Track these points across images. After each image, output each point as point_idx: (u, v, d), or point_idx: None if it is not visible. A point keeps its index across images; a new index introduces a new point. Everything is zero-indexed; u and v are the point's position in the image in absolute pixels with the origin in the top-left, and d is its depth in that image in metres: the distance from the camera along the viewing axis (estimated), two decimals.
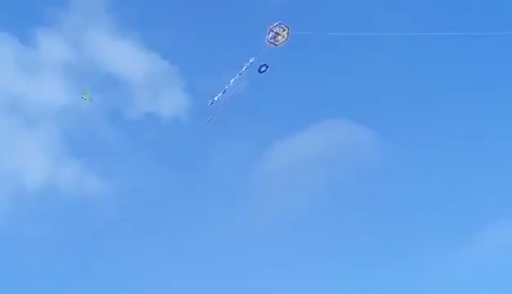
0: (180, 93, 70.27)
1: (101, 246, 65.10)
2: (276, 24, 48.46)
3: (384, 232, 65.38)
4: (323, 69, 70.48)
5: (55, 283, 63.46)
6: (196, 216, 66.03)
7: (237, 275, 63.36)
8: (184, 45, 71.62)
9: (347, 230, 65.53)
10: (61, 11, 70.43)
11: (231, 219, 65.27)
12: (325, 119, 69.09)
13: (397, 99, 70.40)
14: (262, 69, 49.27)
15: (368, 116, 68.70)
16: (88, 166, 68.00)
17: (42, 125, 68.38)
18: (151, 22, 71.97)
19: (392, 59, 70.20)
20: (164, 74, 70.32)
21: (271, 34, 48.54)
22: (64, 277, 63.54)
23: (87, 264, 63.76)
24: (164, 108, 69.80)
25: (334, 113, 69.18)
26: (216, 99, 50.22)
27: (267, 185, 67.33)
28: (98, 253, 64.66)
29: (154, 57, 70.32)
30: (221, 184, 67.19)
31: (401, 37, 63.77)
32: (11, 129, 68.05)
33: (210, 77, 65.90)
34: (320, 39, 57.03)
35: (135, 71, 69.67)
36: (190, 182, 68.18)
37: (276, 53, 49.13)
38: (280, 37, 48.61)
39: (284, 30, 48.58)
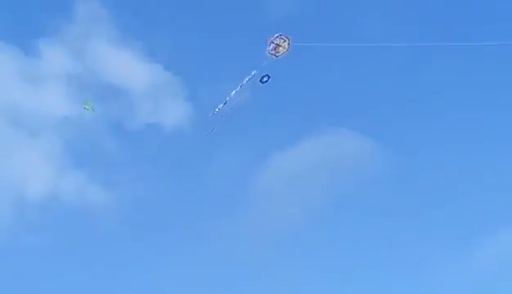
0: (182, 103, 70.53)
1: (102, 256, 65.32)
2: (276, 35, 48.73)
3: (384, 242, 65.35)
4: (323, 79, 70.71)
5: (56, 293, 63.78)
6: (197, 225, 66.11)
7: (237, 285, 63.44)
8: (186, 55, 71.76)
9: (347, 240, 65.67)
10: (64, 21, 70.70)
11: (232, 229, 65.27)
12: (325, 129, 69.30)
13: (397, 108, 70.71)
14: (264, 79, 49.47)
15: (368, 126, 68.77)
16: (90, 176, 68.18)
17: (44, 135, 68.62)
18: (153, 32, 72.15)
19: (393, 69, 70.38)
20: (167, 84, 70.57)
21: (272, 46, 48.78)
22: (65, 287, 63.47)
23: (88, 274, 63.84)
24: (167, 118, 70.04)
25: (334, 123, 69.31)
26: (217, 110, 50.41)
27: (267, 195, 67.43)
28: (100, 263, 64.83)
29: (156, 67, 70.60)
30: (222, 194, 67.31)
31: (401, 47, 64.11)
32: (13, 139, 68.23)
33: (212, 87, 66.00)
34: (320, 50, 57.16)
35: (137, 81, 69.91)
36: (191, 192, 68.39)
37: (276, 64, 49.37)
38: (280, 48, 48.85)
39: (284, 41, 48.82)
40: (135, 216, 66.99)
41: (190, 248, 65.02)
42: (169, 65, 69.90)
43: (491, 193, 66.07)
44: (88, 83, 68.22)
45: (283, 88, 65.56)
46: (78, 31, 70.60)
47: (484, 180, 67.17)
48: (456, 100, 70.25)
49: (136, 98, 69.69)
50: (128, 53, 70.26)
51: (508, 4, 71.39)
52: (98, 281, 63.69)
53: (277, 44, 48.66)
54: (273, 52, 48.77)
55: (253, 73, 49.31)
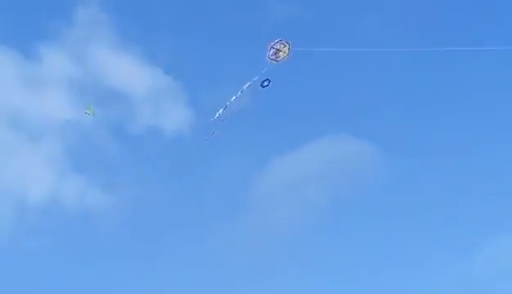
0: (183, 107, 70.64)
1: (103, 259, 65.38)
2: (276, 40, 48.76)
3: (384, 245, 65.46)
4: (323, 84, 70.80)
5: None
6: (197, 229, 66.22)
7: (237, 288, 63.36)
8: (187, 59, 71.89)
9: (348, 244, 65.75)
10: (64, 25, 70.86)
11: (232, 233, 65.37)
12: (325, 134, 69.20)
13: (398, 113, 70.63)
14: (265, 83, 49.40)
15: (369, 131, 68.82)
16: (91, 180, 68.33)
17: (44, 139, 68.74)
18: (154, 36, 72.28)
19: (393, 74, 70.60)
20: (167, 89, 70.67)
21: (272, 51, 48.69)
22: (66, 290, 63.66)
23: (89, 277, 64.00)
24: (167, 122, 70.14)
25: (334, 128, 69.35)
26: (218, 115, 50.41)
27: (267, 199, 67.53)
28: (100, 267, 64.91)
29: (156, 71, 70.75)
30: (222, 198, 67.40)
31: (401, 52, 64.02)
32: (13, 143, 68.31)
33: (213, 91, 66.17)
34: (320, 55, 57.19)
35: (137, 85, 70.02)
36: (191, 196, 68.44)
37: (277, 69, 49.38)
38: (281, 53, 48.79)
39: (285, 46, 48.75)
40: (135, 219, 67.17)
41: (191, 252, 65.23)
42: (170, 69, 70.15)
43: (492, 197, 66.18)
44: (89, 87, 68.41)
45: (283, 93, 65.64)
46: (78, 35, 70.90)
47: (484, 184, 67.39)
48: (457, 105, 70.53)
49: (136, 102, 69.91)
50: (129, 57, 70.52)
51: (509, 9, 71.66)
52: (99, 284, 63.88)
53: (277, 49, 48.61)
54: (273, 57, 48.72)
55: (254, 79, 49.28)
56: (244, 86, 49.53)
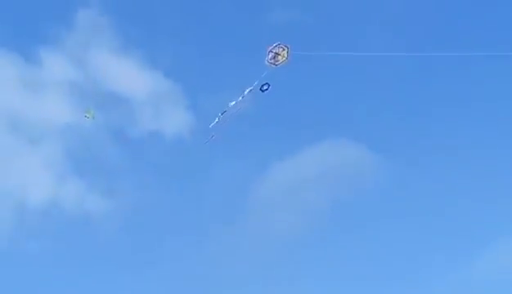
0: (183, 111, 70.71)
1: (102, 263, 65.50)
2: (275, 44, 48.78)
3: (383, 250, 65.55)
4: (323, 88, 70.88)
5: None
6: (197, 233, 66.33)
7: (237, 292, 63.63)
8: (187, 63, 72.06)
9: (346, 249, 65.64)
10: (65, 29, 71.00)
11: (231, 237, 65.43)
12: (325, 139, 69.22)
13: (397, 118, 70.81)
14: (264, 87, 49.43)
15: (368, 136, 68.80)
16: (91, 184, 68.41)
17: (44, 142, 68.85)
18: (154, 41, 72.40)
19: (393, 79, 70.45)
20: (167, 93, 70.77)
21: (271, 55, 48.70)
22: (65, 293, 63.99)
23: (88, 281, 64.07)
24: (167, 126, 70.23)
25: (334, 133, 69.33)
26: (217, 120, 50.42)
27: (267, 204, 67.55)
28: (100, 270, 65.02)
29: (156, 76, 70.85)
30: (222, 202, 67.45)
31: (401, 57, 64.12)
32: (14, 146, 68.43)
33: (213, 95, 66.32)
34: (319, 59, 57.21)
35: (138, 89, 70.08)
36: (191, 200, 68.49)
37: (276, 73, 49.40)
38: (280, 57, 48.75)
39: (284, 50, 48.72)
40: (135, 223, 67.25)
41: (191, 255, 65.29)
42: (170, 74, 70.32)
43: (491, 203, 66.24)
44: (89, 91, 68.48)
45: (282, 97, 65.74)
46: (78, 39, 71.01)
47: (484, 190, 67.45)
48: (456, 110, 70.58)
49: (136, 106, 69.99)
50: (129, 61, 70.63)
51: (508, 16, 71.79)
52: (98, 288, 64.01)
53: (276, 53, 48.58)
54: (272, 61, 48.70)
55: (254, 85, 49.29)
56: (245, 92, 49.55)
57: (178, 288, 63.50)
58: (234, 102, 49.81)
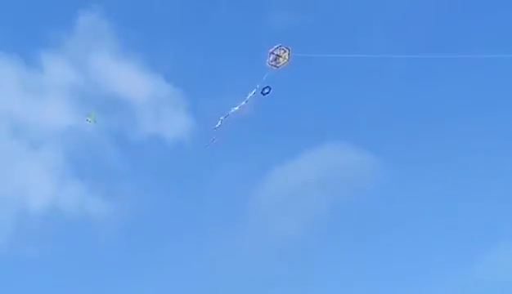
0: (183, 115, 70.69)
1: (103, 267, 65.38)
2: (276, 46, 48.72)
3: (384, 255, 65.44)
4: (324, 90, 71.02)
5: None
6: (197, 237, 66.25)
7: None
8: (187, 67, 72.12)
9: (347, 253, 65.63)
10: (65, 33, 71.11)
11: (232, 241, 65.35)
12: (325, 143, 69.05)
13: (397, 122, 70.62)
14: (265, 90, 49.32)
15: (369, 139, 68.72)
16: (92, 187, 68.35)
17: (45, 146, 68.88)
18: (155, 44, 72.49)
19: (394, 82, 70.50)
20: (168, 96, 70.81)
21: (272, 57, 48.57)
22: None
23: (89, 285, 63.84)
24: (168, 130, 70.26)
25: (334, 137, 69.16)
26: (218, 124, 50.38)
27: (267, 208, 67.45)
28: (100, 274, 64.89)
29: (157, 79, 70.89)
30: (222, 206, 67.37)
31: (402, 59, 64.39)
32: (14, 150, 68.45)
33: (214, 98, 66.45)
34: (321, 61, 57.26)
35: (139, 93, 70.15)
36: (192, 204, 68.38)
37: (277, 75, 49.36)
38: (281, 59, 48.61)
39: (285, 52, 48.57)
40: (136, 227, 67.23)
41: (191, 259, 65.23)
42: (171, 77, 70.33)
43: (492, 206, 65.97)
44: (90, 95, 68.64)
45: (283, 101, 65.74)
46: (79, 43, 71.14)
47: (485, 193, 67.23)
48: (456, 113, 70.42)
49: (137, 110, 70.06)
50: (130, 65, 70.68)
51: (510, 18, 71.83)
52: (98, 291, 63.99)
53: (277, 55, 48.44)
54: (273, 63, 48.55)
55: (256, 88, 49.25)
56: (248, 96, 49.48)
57: (179, 291, 63.65)
58: (237, 107, 49.77)
